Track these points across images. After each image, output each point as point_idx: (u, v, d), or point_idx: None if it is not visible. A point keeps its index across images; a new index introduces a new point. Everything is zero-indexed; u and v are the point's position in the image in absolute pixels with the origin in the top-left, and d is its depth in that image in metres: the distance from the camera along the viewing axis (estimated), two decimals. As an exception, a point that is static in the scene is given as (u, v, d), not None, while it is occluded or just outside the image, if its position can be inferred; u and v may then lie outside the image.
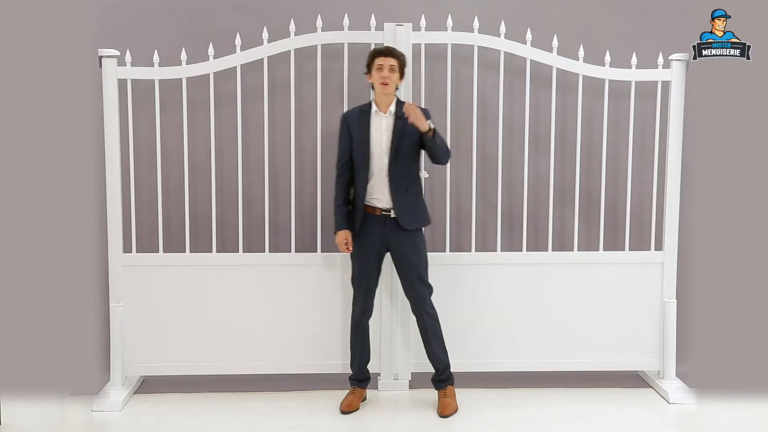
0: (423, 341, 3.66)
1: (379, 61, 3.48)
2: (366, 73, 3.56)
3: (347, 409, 3.63)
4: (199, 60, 3.78)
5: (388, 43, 3.73)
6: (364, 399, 3.76)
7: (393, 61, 3.47)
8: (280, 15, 3.89)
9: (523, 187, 3.92)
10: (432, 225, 3.93)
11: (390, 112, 3.52)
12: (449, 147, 3.59)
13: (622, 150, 4.02)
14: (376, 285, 3.65)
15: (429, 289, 3.62)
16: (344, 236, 3.59)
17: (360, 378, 3.73)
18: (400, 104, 3.53)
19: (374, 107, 3.54)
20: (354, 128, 3.55)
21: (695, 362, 4.04)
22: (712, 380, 3.85)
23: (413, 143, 3.50)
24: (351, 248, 3.60)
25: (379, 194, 3.52)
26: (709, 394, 3.80)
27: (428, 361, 3.78)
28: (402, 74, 3.53)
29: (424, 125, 3.35)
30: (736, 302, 3.94)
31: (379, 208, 3.52)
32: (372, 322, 3.79)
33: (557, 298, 3.91)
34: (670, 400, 3.78)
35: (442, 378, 3.68)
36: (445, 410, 3.59)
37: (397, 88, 3.54)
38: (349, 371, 3.77)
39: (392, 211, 3.51)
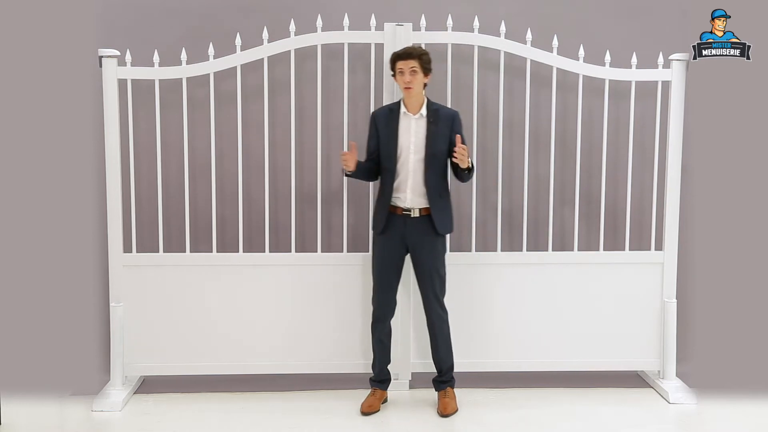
0: (430, 341, 3.66)
1: (399, 65, 3.44)
2: (392, 75, 3.54)
3: (367, 410, 3.61)
4: (199, 60, 3.78)
5: (387, 44, 3.73)
6: (385, 401, 3.73)
7: (413, 63, 3.42)
8: (280, 15, 3.89)
9: (523, 187, 3.92)
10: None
11: (421, 115, 3.50)
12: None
13: (622, 150, 4.02)
14: (396, 284, 3.62)
15: (443, 290, 3.62)
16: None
17: (380, 379, 3.71)
18: (431, 106, 3.52)
19: (403, 108, 3.52)
20: (382, 127, 3.53)
21: (695, 362, 4.04)
22: (712, 380, 3.85)
23: (444, 150, 3.50)
24: (349, 160, 3.43)
25: (402, 194, 3.51)
26: (709, 394, 3.80)
27: (430, 361, 3.78)
28: (427, 72, 3.48)
29: (464, 164, 3.40)
30: (736, 302, 3.94)
31: (401, 208, 3.52)
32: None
33: (557, 298, 3.91)
34: (671, 400, 3.78)
35: (444, 379, 3.68)
36: (446, 409, 3.58)
37: (425, 86, 3.51)
38: (356, 371, 3.78)
39: (412, 210, 3.50)
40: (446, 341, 3.65)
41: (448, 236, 3.85)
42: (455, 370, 3.71)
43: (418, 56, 3.43)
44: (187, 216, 3.85)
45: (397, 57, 3.46)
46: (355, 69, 3.91)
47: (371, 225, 3.67)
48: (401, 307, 3.80)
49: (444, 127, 3.48)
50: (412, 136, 3.49)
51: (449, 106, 3.84)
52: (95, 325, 3.97)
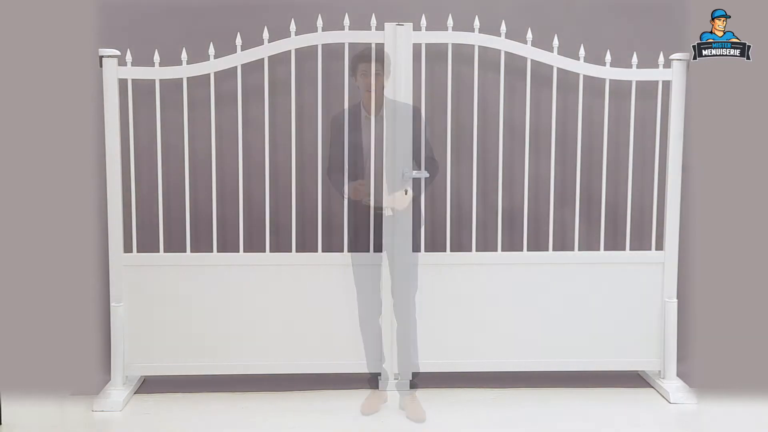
0: (401, 342, 3.65)
1: (362, 67, 3.48)
2: (351, 76, 3.55)
3: (367, 410, 3.62)
4: (200, 60, 3.78)
5: (388, 43, 3.72)
6: (386, 401, 3.75)
7: (377, 67, 3.47)
8: (280, 15, 3.89)
9: (523, 187, 3.92)
10: (432, 225, 3.94)
11: (381, 116, 3.53)
12: (436, 159, 3.73)
13: (622, 150, 4.03)
14: (378, 282, 3.63)
15: (416, 291, 3.63)
16: (356, 183, 3.51)
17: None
18: (388, 104, 3.55)
19: (363, 111, 3.54)
20: (344, 130, 3.55)
21: (696, 362, 4.04)
22: (713, 380, 3.85)
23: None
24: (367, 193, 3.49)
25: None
26: (709, 394, 3.81)
27: (431, 360, 3.79)
28: (387, 74, 3.52)
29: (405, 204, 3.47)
30: (736, 302, 3.94)
31: (375, 206, 3.53)
32: (372, 322, 3.78)
33: (557, 298, 3.91)
34: (671, 400, 3.78)
35: (414, 381, 3.68)
36: (423, 415, 3.55)
37: (383, 87, 3.55)
38: (356, 371, 3.78)
39: (385, 209, 3.51)
40: (416, 343, 3.66)
41: (447, 236, 3.85)
42: (455, 369, 3.74)
43: (381, 60, 3.49)
44: (187, 216, 3.85)
45: (360, 59, 3.50)
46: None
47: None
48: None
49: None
50: (375, 137, 3.52)
51: (449, 106, 3.85)
52: (95, 325, 3.96)
